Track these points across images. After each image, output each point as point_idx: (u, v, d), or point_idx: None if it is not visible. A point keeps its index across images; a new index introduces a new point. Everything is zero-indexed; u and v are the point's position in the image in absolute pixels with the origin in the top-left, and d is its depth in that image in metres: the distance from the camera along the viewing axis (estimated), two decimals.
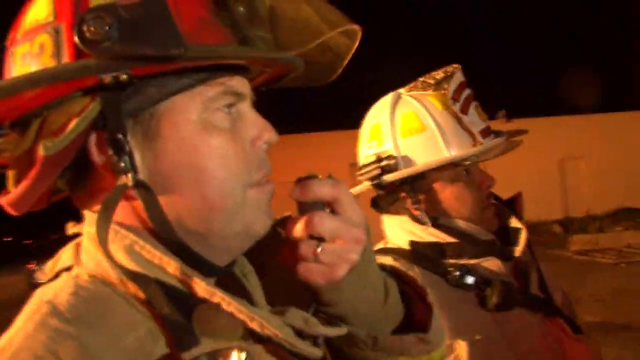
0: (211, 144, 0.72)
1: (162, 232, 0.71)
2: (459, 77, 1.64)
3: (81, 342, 0.63)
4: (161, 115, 0.70)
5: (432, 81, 1.65)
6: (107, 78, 0.64)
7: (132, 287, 0.69)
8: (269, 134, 0.78)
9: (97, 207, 0.70)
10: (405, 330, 0.85)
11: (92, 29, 0.62)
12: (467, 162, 1.61)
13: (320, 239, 0.75)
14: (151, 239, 0.71)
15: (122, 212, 0.71)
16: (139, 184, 0.69)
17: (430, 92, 1.64)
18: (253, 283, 0.80)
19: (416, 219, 1.61)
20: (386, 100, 1.70)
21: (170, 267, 0.69)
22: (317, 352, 0.74)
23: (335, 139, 15.24)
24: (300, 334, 0.72)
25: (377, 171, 1.59)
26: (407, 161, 1.59)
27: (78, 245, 0.77)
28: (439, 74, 1.66)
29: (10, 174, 0.73)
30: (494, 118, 20.74)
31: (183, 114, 0.71)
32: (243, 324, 0.68)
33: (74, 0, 0.67)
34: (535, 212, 18.56)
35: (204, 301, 0.68)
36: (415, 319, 0.88)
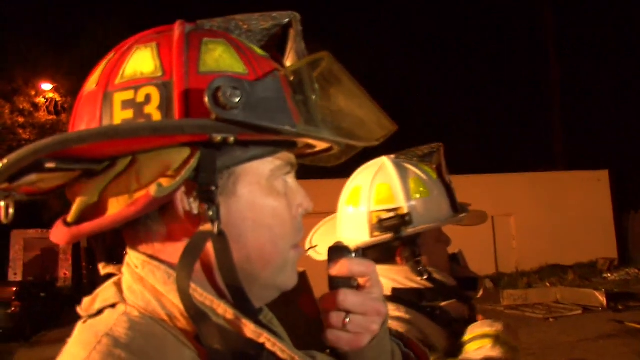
0: (274, 206, 0.81)
1: (226, 277, 0.77)
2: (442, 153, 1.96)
3: None
4: (239, 176, 0.78)
5: (419, 153, 1.98)
6: (218, 137, 0.72)
7: (182, 324, 0.75)
8: (308, 203, 0.88)
9: (146, 249, 0.78)
10: None
11: (227, 95, 0.69)
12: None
13: (347, 311, 0.86)
14: (202, 282, 0.77)
15: (175, 255, 0.76)
16: (220, 233, 0.75)
17: (416, 162, 1.95)
18: (280, 330, 0.87)
19: (416, 270, 1.82)
20: (385, 164, 1.94)
21: (220, 309, 0.75)
22: None
23: None
24: None
25: (396, 224, 1.79)
26: (419, 219, 1.81)
27: (118, 285, 0.81)
28: (425, 149, 1.98)
29: (76, 208, 0.76)
30: None
31: (256, 177, 0.80)
32: None
33: (183, 63, 0.75)
34: (469, 267, 18.90)
35: (250, 341, 0.75)
36: None
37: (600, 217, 22.12)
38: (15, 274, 22.41)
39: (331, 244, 1.95)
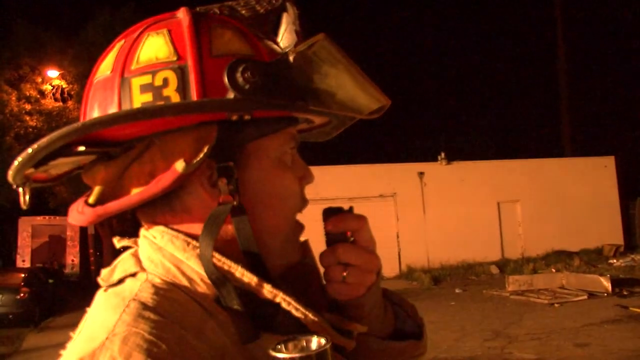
0: (283, 178, 0.86)
1: (244, 246, 0.81)
2: None
3: (177, 332, 0.72)
4: (251, 151, 0.82)
5: None
6: (234, 116, 0.77)
7: (202, 289, 0.79)
8: (311, 175, 0.94)
9: (165, 223, 0.82)
10: (399, 339, 1.02)
11: (245, 76, 0.74)
12: None
13: (345, 264, 0.90)
14: (220, 250, 0.80)
15: (193, 227, 0.81)
16: (239, 205, 0.80)
17: None
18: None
19: None
20: None
21: (238, 272, 0.79)
22: (353, 343, 0.88)
23: None
24: (337, 330, 0.85)
25: None
26: None
27: (135, 256, 0.86)
28: None
29: (98, 190, 0.80)
30: (435, 160, 21.31)
31: (266, 152, 0.84)
32: (297, 321, 0.80)
33: (197, 47, 0.78)
34: (475, 254, 18.99)
35: (267, 301, 0.79)
36: (407, 331, 1.05)
37: (607, 203, 22.09)
38: (24, 260, 22.57)
39: None
